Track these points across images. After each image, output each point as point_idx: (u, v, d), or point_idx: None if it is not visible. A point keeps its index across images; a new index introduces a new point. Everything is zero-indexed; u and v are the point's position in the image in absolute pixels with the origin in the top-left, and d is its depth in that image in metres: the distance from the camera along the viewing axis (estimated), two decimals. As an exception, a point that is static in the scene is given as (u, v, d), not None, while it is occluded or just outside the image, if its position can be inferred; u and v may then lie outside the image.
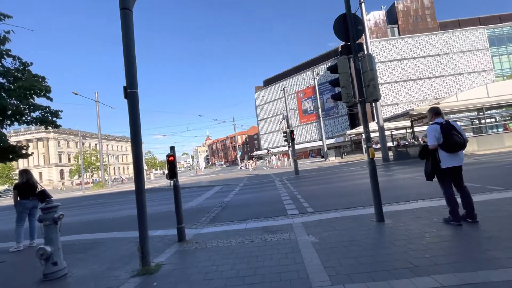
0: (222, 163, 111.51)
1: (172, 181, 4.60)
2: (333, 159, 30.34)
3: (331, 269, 2.71)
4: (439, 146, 3.63)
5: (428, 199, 5.42)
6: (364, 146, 32.55)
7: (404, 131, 27.91)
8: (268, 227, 4.81)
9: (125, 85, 3.53)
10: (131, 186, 28.29)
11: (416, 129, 20.44)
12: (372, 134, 35.71)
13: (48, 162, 62.27)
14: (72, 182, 63.45)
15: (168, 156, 4.48)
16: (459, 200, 3.69)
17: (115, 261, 3.90)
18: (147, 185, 23.40)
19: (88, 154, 54.61)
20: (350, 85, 4.32)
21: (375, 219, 4.29)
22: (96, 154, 54.67)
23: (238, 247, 3.85)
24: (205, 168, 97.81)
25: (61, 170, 65.01)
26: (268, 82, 65.21)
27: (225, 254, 3.59)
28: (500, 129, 20.62)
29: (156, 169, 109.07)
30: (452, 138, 3.53)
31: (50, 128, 6.81)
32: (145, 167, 46.69)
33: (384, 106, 39.72)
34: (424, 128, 22.68)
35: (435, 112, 3.88)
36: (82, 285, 3.13)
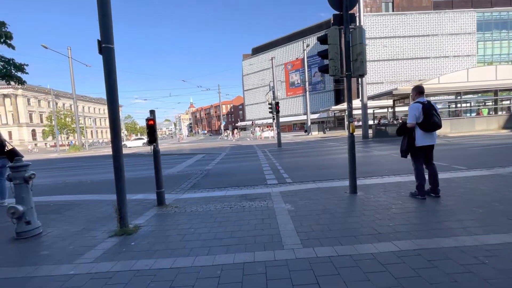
0: (206, 132, 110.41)
1: (152, 146, 4.51)
2: (315, 134, 30.99)
3: (303, 234, 2.88)
4: (417, 125, 3.77)
5: (399, 175, 5.76)
6: (346, 123, 33.32)
7: (385, 110, 28.67)
8: (247, 195, 4.96)
9: (99, 39, 3.24)
10: (110, 151, 27.47)
11: (397, 109, 21.03)
12: (355, 112, 36.18)
13: (18, 120, 58.41)
14: (46, 143, 60.58)
15: (148, 120, 4.32)
16: (426, 176, 3.96)
17: (92, 222, 3.90)
18: (126, 151, 22.82)
19: (62, 115, 51.68)
20: (338, 57, 4.24)
21: (348, 191, 4.53)
22: (71, 115, 51.86)
23: (217, 212, 3.97)
24: (188, 136, 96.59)
25: (33, 131, 61.50)
26: (257, 51, 62.81)
27: (204, 218, 3.70)
28: (473, 114, 21.77)
29: (136, 134, 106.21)
30: (431, 118, 3.66)
31: (14, 83, 6.25)
32: (125, 132, 45.08)
33: (369, 84, 40.04)
34: (405, 108, 23.37)
35: (418, 91, 3.96)
36: (58, 244, 3.13)
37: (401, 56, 44.46)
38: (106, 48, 3.25)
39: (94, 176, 9.25)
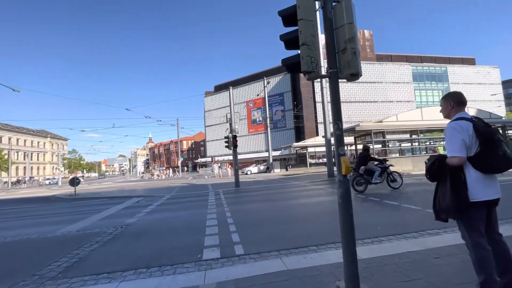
0: (164, 168, 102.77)
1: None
2: (278, 171, 29.41)
3: None
4: (469, 161, 1.96)
5: (400, 235, 3.91)
6: (309, 161, 32.50)
7: (345, 148, 28.74)
8: (151, 296, 2.51)
9: None
10: (34, 191, 22.03)
11: (358, 146, 20.74)
12: (317, 149, 35.51)
13: None
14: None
15: None
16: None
17: None
18: (47, 192, 17.75)
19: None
20: (316, 43, 2.45)
21: (343, 283, 2.41)
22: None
23: None
24: (142, 173, 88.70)
25: None
26: (219, 88, 62.85)
27: None
28: (428, 152, 22.45)
29: (82, 171, 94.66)
30: (501, 147, 1.89)
31: None
32: (61, 169, 38.75)
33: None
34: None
35: (459, 100, 2.18)
36: None
37: (353, 99, 47.86)
38: None
39: None
